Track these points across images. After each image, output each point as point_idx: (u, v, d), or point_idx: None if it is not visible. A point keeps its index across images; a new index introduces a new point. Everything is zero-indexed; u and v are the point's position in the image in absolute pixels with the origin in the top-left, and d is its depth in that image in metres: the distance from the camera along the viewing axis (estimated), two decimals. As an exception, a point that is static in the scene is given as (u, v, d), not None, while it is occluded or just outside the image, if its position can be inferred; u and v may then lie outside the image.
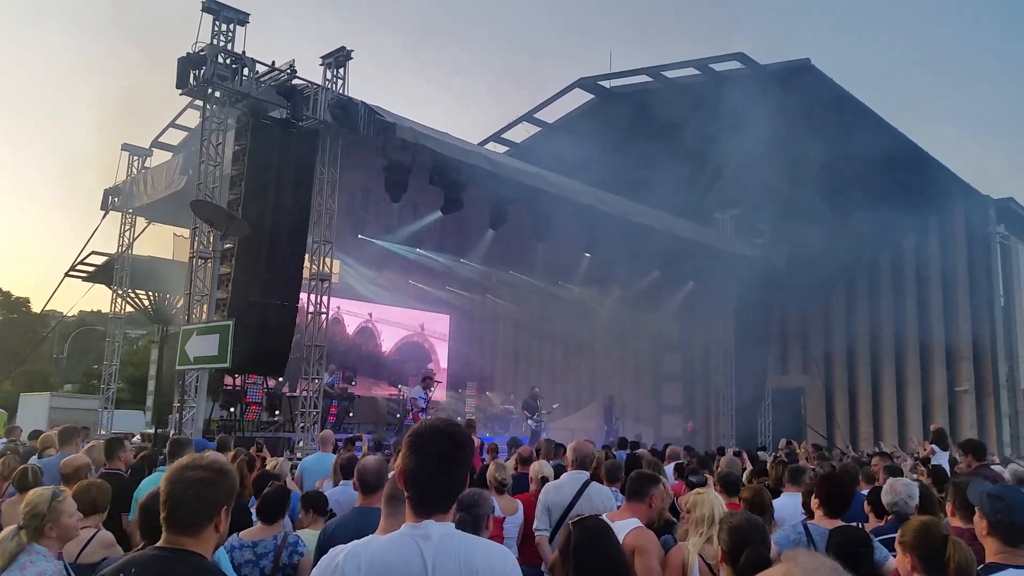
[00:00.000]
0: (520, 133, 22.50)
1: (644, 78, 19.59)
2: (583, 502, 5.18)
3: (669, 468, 8.65)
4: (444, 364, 26.67)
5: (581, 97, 21.21)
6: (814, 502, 4.65)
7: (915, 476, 9.55)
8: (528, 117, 21.74)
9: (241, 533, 4.43)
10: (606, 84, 20.52)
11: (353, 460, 6.63)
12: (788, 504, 5.82)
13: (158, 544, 2.20)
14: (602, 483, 5.75)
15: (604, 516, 3.77)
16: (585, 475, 5.39)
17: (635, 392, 25.10)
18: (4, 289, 61.03)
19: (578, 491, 5.24)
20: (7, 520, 5.04)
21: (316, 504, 5.14)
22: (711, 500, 4.06)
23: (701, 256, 19.29)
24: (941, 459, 8.92)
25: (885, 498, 4.99)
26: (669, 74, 19.09)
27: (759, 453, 12.89)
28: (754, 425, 21.06)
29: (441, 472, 2.17)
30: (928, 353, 20.91)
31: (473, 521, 3.71)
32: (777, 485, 6.63)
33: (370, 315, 25.08)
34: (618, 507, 4.99)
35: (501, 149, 22.17)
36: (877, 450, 16.60)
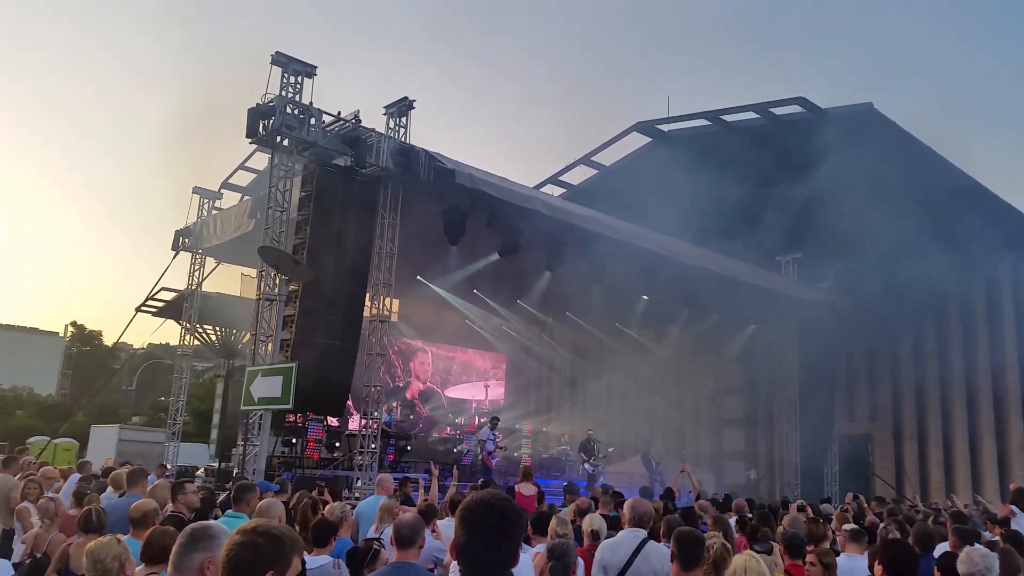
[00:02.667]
0: (577, 175, 22.66)
1: (702, 122, 19.58)
2: (640, 562, 5.11)
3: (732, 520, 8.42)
4: (501, 403, 26.71)
5: (639, 140, 21.30)
6: (878, 568, 4.46)
7: (990, 535, 9.14)
8: (585, 160, 21.89)
9: None
10: (664, 128, 20.56)
11: (432, 509, 6.67)
12: (851, 567, 5.62)
13: None
14: (660, 540, 5.66)
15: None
16: (642, 534, 5.31)
17: (695, 437, 24.62)
18: (79, 323, 63.73)
19: (635, 550, 5.17)
20: (75, 562, 5.22)
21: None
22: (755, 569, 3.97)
23: (763, 300, 18.99)
24: (1021, 522, 8.47)
25: (961, 568, 4.70)
26: (728, 118, 19.04)
27: (823, 506, 12.49)
28: (820, 473, 20.41)
29: (491, 549, 2.20)
30: (1003, 401, 20.05)
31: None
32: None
33: (427, 355, 25.33)
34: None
35: (558, 191, 22.35)
36: (950, 503, 15.95)
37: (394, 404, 20.16)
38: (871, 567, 4.97)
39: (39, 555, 5.98)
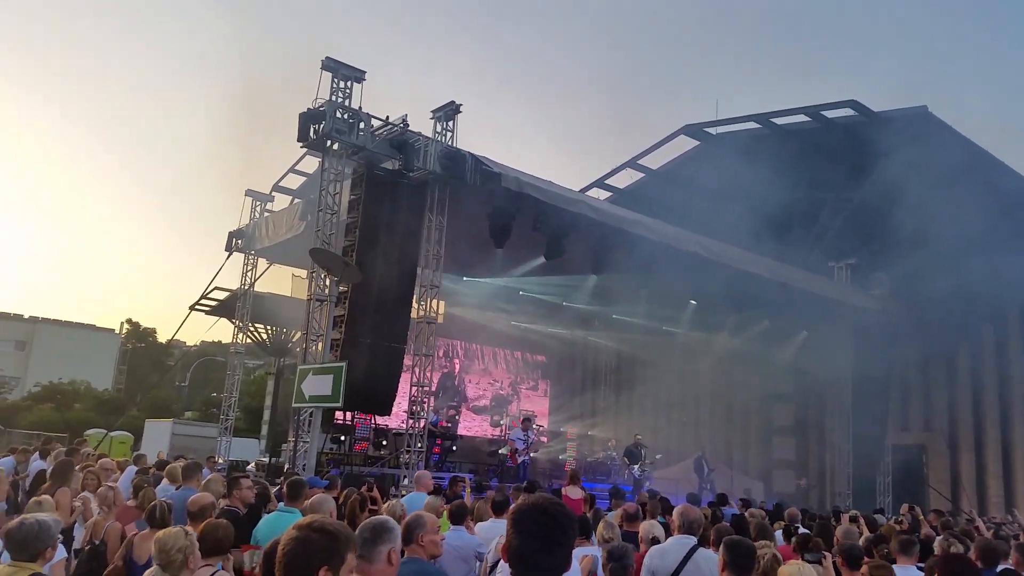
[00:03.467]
0: (624, 179, 22.54)
1: (751, 124, 19.32)
2: (690, 568, 5.08)
3: (778, 532, 8.29)
4: (546, 405, 26.72)
5: (686, 143, 21.10)
6: (936, 583, 4.37)
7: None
8: (632, 163, 21.76)
9: None
10: (712, 131, 20.34)
11: (463, 507, 6.73)
12: (908, 577, 5.49)
13: None
14: (709, 547, 5.60)
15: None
16: (692, 540, 5.28)
17: (743, 444, 24.26)
18: (134, 320, 65.53)
19: (685, 557, 5.14)
20: (138, 552, 5.39)
21: None
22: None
23: (815, 306, 18.63)
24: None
25: None
26: (778, 120, 18.76)
27: (876, 517, 12.21)
28: (872, 483, 19.93)
29: (543, 553, 2.19)
30: (1066, 412, 19.36)
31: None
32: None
33: (472, 355, 25.48)
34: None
35: (604, 195, 22.25)
36: (1010, 518, 15.44)
37: (445, 409, 20.30)
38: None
39: (97, 542, 6.19)
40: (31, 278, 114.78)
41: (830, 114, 17.82)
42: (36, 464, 10.58)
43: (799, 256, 19.04)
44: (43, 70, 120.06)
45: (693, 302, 19.75)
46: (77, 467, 8.34)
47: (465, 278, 19.58)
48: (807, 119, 18.21)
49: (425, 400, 13.58)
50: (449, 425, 19.99)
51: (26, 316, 64.88)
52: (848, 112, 17.49)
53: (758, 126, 19.18)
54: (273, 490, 8.70)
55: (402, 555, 3.44)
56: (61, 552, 4.69)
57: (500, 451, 18.77)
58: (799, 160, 16.69)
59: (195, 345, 58.53)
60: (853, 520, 9.27)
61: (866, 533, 8.30)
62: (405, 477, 12.99)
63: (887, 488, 19.98)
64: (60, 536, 4.48)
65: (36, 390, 48.66)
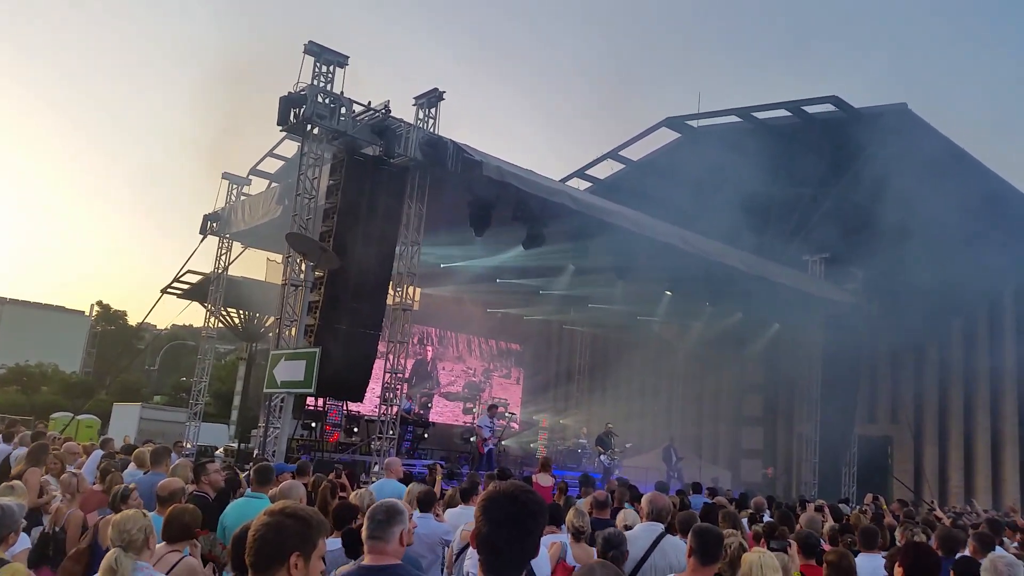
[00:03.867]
0: (604, 170, 22.60)
1: (733, 119, 19.43)
2: (656, 556, 5.14)
3: (745, 520, 8.40)
4: (519, 394, 26.79)
5: (667, 136, 21.19)
6: (898, 570, 4.43)
7: (1011, 543, 9.04)
8: (613, 154, 21.81)
9: (337, 571, 4.57)
10: (694, 124, 20.43)
11: (431, 494, 6.74)
12: (867, 566, 5.59)
13: None
14: (675, 534, 5.68)
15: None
16: (660, 527, 5.35)
17: (712, 434, 24.55)
18: (104, 302, 64.67)
19: (652, 543, 5.21)
20: (103, 536, 5.33)
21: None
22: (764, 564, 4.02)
23: (788, 298, 18.85)
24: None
25: (985, 575, 4.65)
26: (760, 115, 18.88)
27: (841, 507, 12.42)
28: (838, 474, 20.28)
29: (512, 540, 2.18)
30: (1028, 408, 19.81)
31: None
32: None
33: (447, 342, 25.46)
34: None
35: (584, 185, 22.30)
36: (970, 508, 15.78)
37: (419, 396, 20.29)
38: (890, 568, 4.94)
39: (56, 529, 6.10)
40: (0, 258, 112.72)
41: (811, 110, 17.98)
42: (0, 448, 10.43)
43: (776, 249, 19.23)
44: (13, 49, 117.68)
45: (668, 293, 19.89)
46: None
47: (442, 265, 19.53)
48: (788, 114, 18.36)
49: (399, 387, 13.55)
50: (422, 412, 19.99)
51: (-8, 296, 63.82)
52: (829, 108, 17.65)
53: (739, 120, 19.30)
54: (243, 476, 8.64)
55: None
56: (24, 541, 4.63)
57: (471, 439, 18.83)
58: (779, 155, 16.81)
59: (166, 329, 57.94)
60: (818, 509, 9.42)
61: (830, 522, 8.44)
62: (376, 464, 12.98)
63: (852, 479, 20.35)
64: (24, 521, 4.42)
65: (1, 372, 47.89)
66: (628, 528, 5.75)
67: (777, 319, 21.04)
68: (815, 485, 19.96)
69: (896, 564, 4.52)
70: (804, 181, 17.90)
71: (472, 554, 5.52)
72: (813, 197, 18.61)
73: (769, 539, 6.29)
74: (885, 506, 12.16)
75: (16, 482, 6.03)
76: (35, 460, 7.35)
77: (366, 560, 3.14)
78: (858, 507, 12.54)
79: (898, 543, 6.95)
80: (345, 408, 17.81)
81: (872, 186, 15.64)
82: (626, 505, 7.84)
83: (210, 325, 20.10)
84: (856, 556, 5.67)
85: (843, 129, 17.33)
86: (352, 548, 4.68)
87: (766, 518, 8.62)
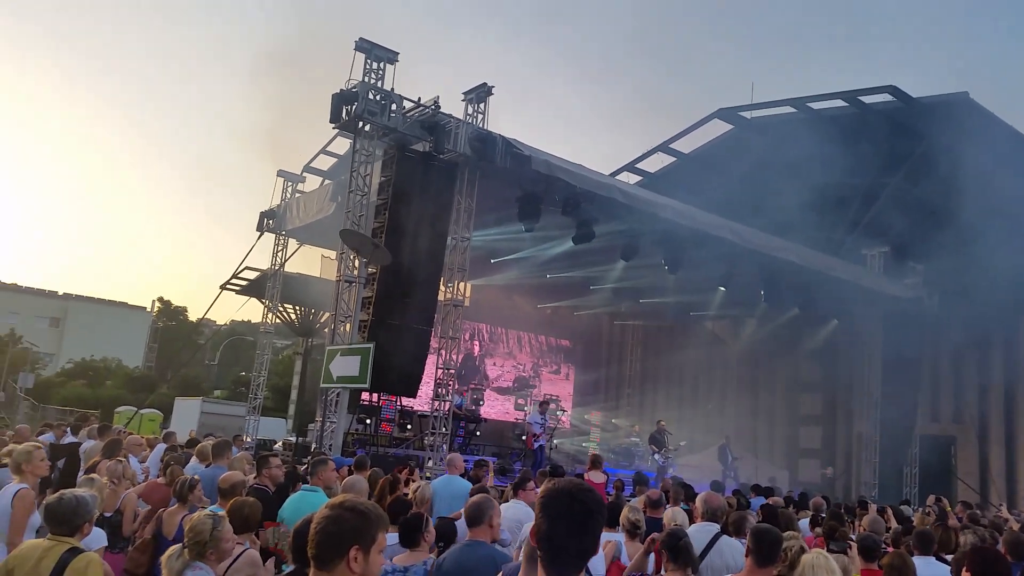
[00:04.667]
0: (655, 163, 22.37)
1: (787, 109, 19.03)
2: (713, 556, 5.06)
3: (804, 521, 8.24)
4: (569, 390, 26.73)
5: (720, 127, 20.86)
6: (965, 575, 4.29)
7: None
8: (664, 147, 21.57)
9: (394, 558, 4.62)
10: (747, 115, 20.07)
11: (484, 490, 6.75)
12: (927, 571, 5.41)
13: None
14: (731, 535, 5.58)
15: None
16: (715, 528, 5.26)
17: (769, 433, 24.10)
18: (165, 298, 66.48)
19: (708, 544, 5.13)
20: (167, 528, 5.48)
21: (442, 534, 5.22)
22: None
23: (846, 294, 18.39)
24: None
25: None
26: (815, 105, 18.46)
27: (902, 508, 12.10)
28: (899, 474, 19.74)
29: (572, 537, 2.18)
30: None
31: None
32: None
33: (497, 338, 25.54)
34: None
35: (634, 179, 22.11)
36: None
37: (464, 389, 20.39)
38: (957, 573, 4.79)
39: (109, 514, 6.27)
40: (66, 255, 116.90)
41: (868, 99, 17.51)
42: (68, 440, 10.81)
43: (833, 243, 18.80)
44: (76, 51, 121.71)
45: (722, 288, 19.56)
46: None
47: (492, 260, 19.58)
48: (844, 104, 17.92)
49: (450, 382, 13.64)
50: (474, 408, 20.09)
51: (60, 293, 66.05)
52: (886, 98, 17.17)
53: (794, 111, 18.90)
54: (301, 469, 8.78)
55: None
56: (101, 535, 4.78)
57: (523, 436, 18.82)
58: (835, 146, 16.39)
59: (225, 324, 59.32)
60: (881, 512, 9.18)
61: (894, 524, 8.22)
62: (430, 459, 13.09)
63: (914, 479, 19.78)
64: (97, 512, 4.56)
65: (69, 366, 49.57)
66: (677, 527, 5.67)
67: (835, 315, 20.54)
68: (875, 486, 19.45)
69: (964, 569, 4.37)
70: (861, 173, 17.44)
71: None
72: (871, 189, 18.13)
73: (829, 540, 6.15)
74: (949, 508, 11.81)
75: (95, 475, 6.25)
76: (109, 453, 7.62)
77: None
78: (920, 509, 12.19)
79: (962, 547, 6.73)
80: (399, 403, 18.00)
81: (933, 177, 15.18)
82: (682, 505, 7.74)
83: (267, 321, 20.50)
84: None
85: (901, 119, 16.84)
86: (408, 537, 4.72)
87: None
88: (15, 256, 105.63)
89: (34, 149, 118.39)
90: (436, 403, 13.55)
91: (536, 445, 16.66)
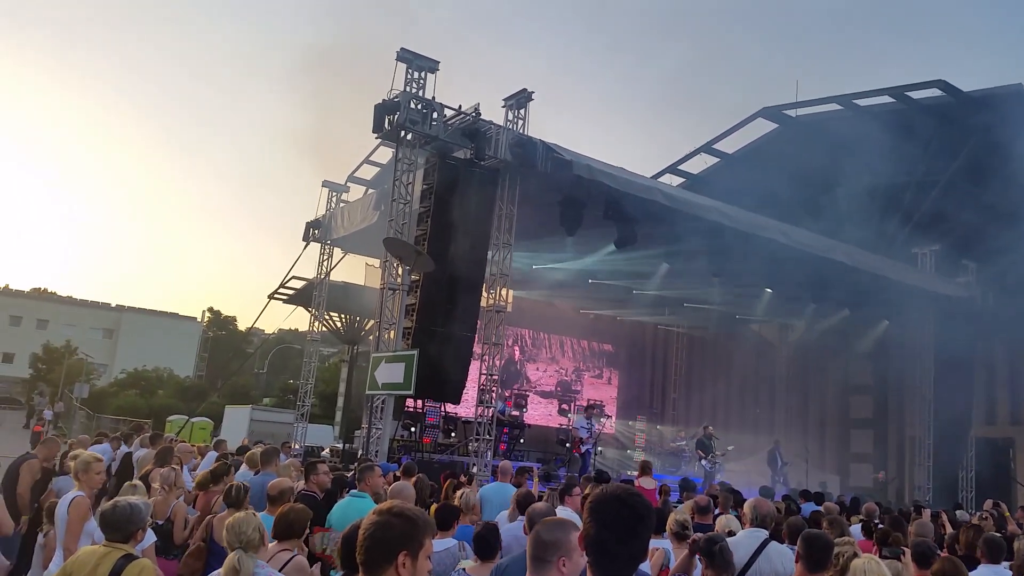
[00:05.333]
0: (697, 164, 22.17)
1: (833, 106, 18.71)
2: (761, 562, 4.99)
3: (856, 527, 8.06)
4: (612, 394, 26.56)
5: (764, 127, 20.59)
6: (1027, 583, 4.16)
7: None
8: (707, 148, 21.37)
9: (466, 568, 4.66)
10: (791, 113, 19.78)
11: (529, 496, 6.76)
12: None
13: None
14: (783, 541, 5.50)
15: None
16: (764, 534, 5.18)
17: (819, 437, 23.63)
18: (215, 308, 67.82)
19: (756, 550, 5.05)
20: (219, 533, 5.59)
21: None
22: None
23: (897, 294, 17.96)
24: None
25: None
26: (861, 102, 18.11)
27: (958, 513, 11.75)
28: (954, 478, 19.16)
29: (621, 543, 2.19)
30: None
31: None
32: (970, 551, 5.95)
33: (539, 343, 25.50)
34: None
35: (677, 181, 21.93)
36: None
37: (508, 395, 20.41)
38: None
39: (160, 522, 6.43)
40: (119, 268, 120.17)
41: (916, 95, 17.12)
42: (122, 449, 11.11)
43: (882, 242, 18.39)
44: (125, 64, 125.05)
45: (768, 290, 19.27)
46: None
47: (535, 266, 19.58)
48: (892, 100, 17.55)
49: (494, 388, 13.67)
50: (517, 413, 20.10)
51: (113, 305, 67.86)
52: (935, 93, 16.77)
53: (840, 108, 18.57)
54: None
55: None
56: (151, 536, 4.91)
57: (568, 444, 18.79)
58: (883, 143, 16.05)
59: (273, 333, 60.28)
60: (935, 517, 8.94)
61: (949, 530, 8.00)
62: (474, 465, 13.13)
63: (970, 483, 19.20)
64: (151, 519, 4.68)
65: (122, 376, 50.82)
66: (731, 535, 5.59)
67: (886, 316, 20.09)
68: (929, 490, 18.93)
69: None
70: (910, 170, 17.05)
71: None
72: (920, 187, 17.72)
73: (882, 546, 6.02)
74: (1007, 513, 11.44)
75: (138, 482, 6.41)
76: (162, 461, 7.81)
77: None
78: (977, 514, 11.83)
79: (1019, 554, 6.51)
80: (443, 409, 18.10)
81: (985, 172, 14.75)
82: (730, 512, 7.64)
83: (314, 329, 20.81)
84: (975, 567, 5.35)
85: (951, 114, 16.42)
86: (485, 550, 4.75)
87: (880, 525, 8.24)
88: (71, 270, 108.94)
89: (90, 166, 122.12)
90: (480, 409, 13.59)
91: (583, 449, 16.61)
